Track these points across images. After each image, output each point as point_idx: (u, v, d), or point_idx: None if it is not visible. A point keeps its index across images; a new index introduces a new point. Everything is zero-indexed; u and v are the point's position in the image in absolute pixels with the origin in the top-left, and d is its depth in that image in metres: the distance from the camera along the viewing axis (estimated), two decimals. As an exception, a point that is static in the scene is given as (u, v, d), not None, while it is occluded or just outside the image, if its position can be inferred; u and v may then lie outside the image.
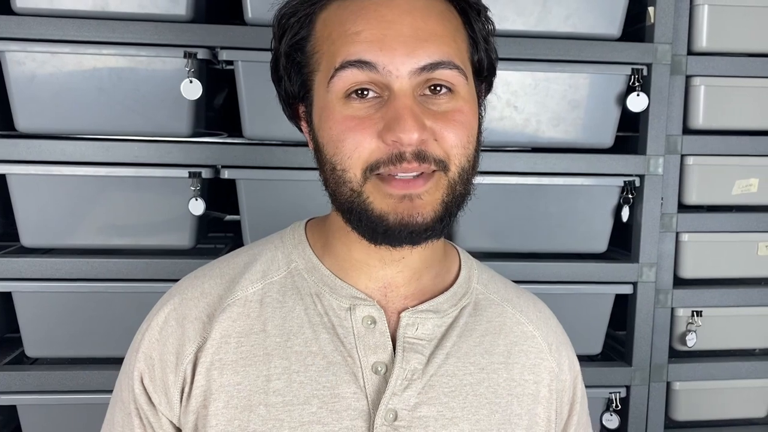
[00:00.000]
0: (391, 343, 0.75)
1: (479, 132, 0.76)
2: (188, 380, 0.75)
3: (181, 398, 0.75)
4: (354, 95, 0.69)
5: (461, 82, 0.71)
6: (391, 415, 0.73)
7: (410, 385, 0.74)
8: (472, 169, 0.73)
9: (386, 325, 0.76)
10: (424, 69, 0.68)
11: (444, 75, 0.69)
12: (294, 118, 0.80)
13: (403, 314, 0.76)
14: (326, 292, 0.77)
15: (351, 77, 0.68)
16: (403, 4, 0.70)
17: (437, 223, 0.70)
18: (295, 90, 0.75)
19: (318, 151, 0.73)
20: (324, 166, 0.72)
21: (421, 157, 0.67)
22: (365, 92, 0.69)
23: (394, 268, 0.77)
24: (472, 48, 0.76)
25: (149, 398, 0.76)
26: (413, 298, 0.79)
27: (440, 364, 0.76)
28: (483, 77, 0.78)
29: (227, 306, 0.76)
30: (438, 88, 0.70)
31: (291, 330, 0.75)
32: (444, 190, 0.70)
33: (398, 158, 0.67)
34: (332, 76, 0.69)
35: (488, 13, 0.78)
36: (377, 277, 0.77)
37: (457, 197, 0.72)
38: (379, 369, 0.74)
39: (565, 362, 0.85)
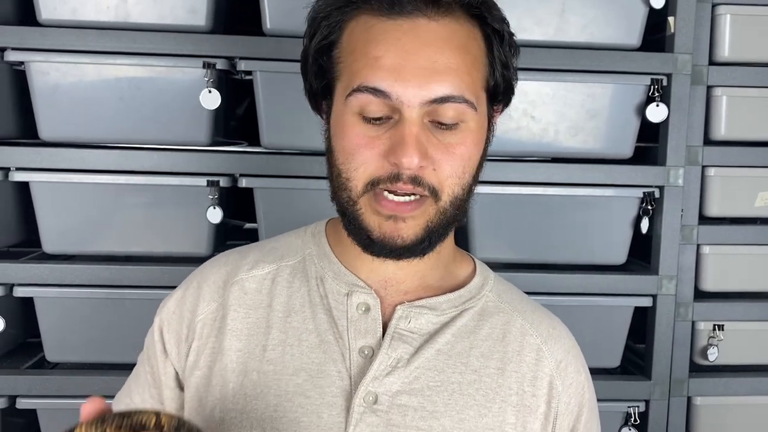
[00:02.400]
0: (381, 330, 0.79)
1: (483, 158, 0.80)
2: (197, 337, 0.82)
3: (188, 352, 0.82)
4: (368, 117, 0.74)
5: (470, 115, 0.75)
6: (371, 398, 0.76)
7: (393, 372, 0.77)
8: (466, 195, 0.77)
9: (379, 313, 0.80)
10: (434, 101, 0.73)
11: (453, 108, 0.73)
12: (317, 109, 0.85)
13: (398, 307, 0.80)
14: (330, 276, 0.82)
15: (365, 101, 0.73)
16: (424, 35, 0.73)
17: (416, 245, 0.75)
18: (318, 89, 0.81)
19: (330, 152, 0.79)
20: (332, 168, 0.78)
21: (416, 181, 0.72)
22: (378, 118, 0.74)
23: (394, 266, 0.81)
24: (490, 72, 0.79)
25: (164, 347, 0.84)
26: (413, 294, 0.82)
27: (428, 358, 0.79)
28: (498, 99, 0.81)
29: (243, 279, 0.83)
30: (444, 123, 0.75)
31: (293, 308, 0.81)
32: (430, 216, 0.75)
33: (396, 178, 0.72)
34: (349, 95, 0.74)
35: (512, 37, 0.81)
36: (378, 270, 0.81)
37: (448, 219, 0.76)
38: (366, 352, 0.78)
39: (572, 384, 0.83)
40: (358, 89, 0.73)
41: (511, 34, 0.81)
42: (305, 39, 0.82)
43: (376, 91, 0.72)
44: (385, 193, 0.73)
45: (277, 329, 0.80)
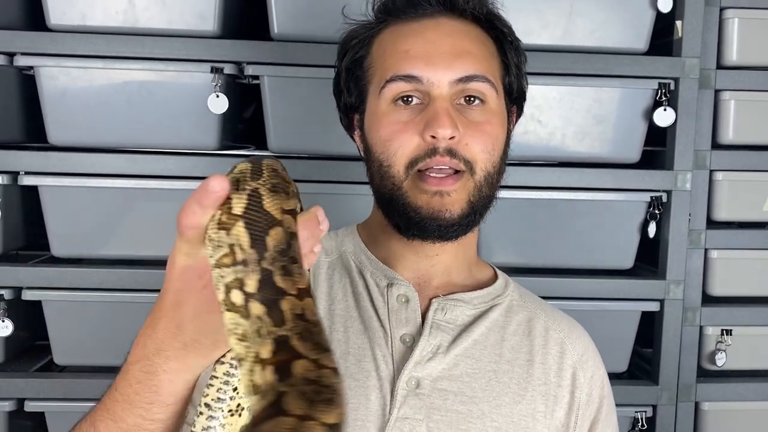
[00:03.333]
0: (420, 320, 0.84)
1: (507, 144, 0.87)
2: None
3: None
4: (401, 101, 0.82)
5: (492, 95, 0.83)
6: (414, 383, 0.80)
7: (434, 358, 0.82)
8: (497, 174, 0.84)
9: (418, 304, 0.85)
10: (460, 80, 0.81)
11: (477, 87, 0.81)
12: (349, 128, 0.92)
13: (434, 300, 0.85)
14: (369, 270, 0.88)
15: (398, 88, 0.81)
16: (445, 28, 0.83)
17: (463, 219, 0.81)
18: (353, 101, 0.88)
19: (367, 151, 0.86)
20: (371, 164, 0.85)
21: (451, 153, 0.79)
22: (410, 99, 0.81)
23: (428, 262, 0.87)
24: (504, 71, 0.87)
25: None
26: (444, 290, 0.88)
27: (466, 347, 0.84)
28: (513, 99, 0.88)
29: None
30: (472, 99, 0.82)
31: (336, 297, 0.86)
32: (470, 191, 0.81)
33: (433, 152, 0.79)
34: (383, 87, 0.82)
35: (520, 43, 0.90)
36: (412, 268, 0.88)
37: (483, 198, 0.82)
38: (407, 340, 0.83)
39: (593, 377, 0.89)
40: (391, 79, 0.81)
41: (518, 41, 0.89)
42: (337, 62, 0.90)
43: (408, 78, 0.80)
44: (428, 172, 0.79)
45: (322, 316, 0.83)
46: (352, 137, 0.92)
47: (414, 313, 0.84)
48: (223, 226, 0.56)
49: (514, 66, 0.87)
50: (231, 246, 0.55)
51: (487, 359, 0.84)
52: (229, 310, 0.55)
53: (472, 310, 0.87)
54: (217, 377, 0.63)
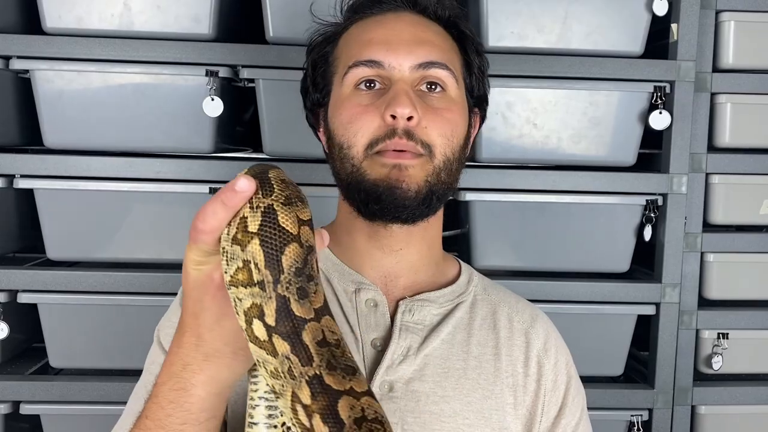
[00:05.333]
0: (390, 323, 0.85)
1: (467, 138, 0.88)
2: None
3: None
4: (362, 86, 0.83)
5: (452, 83, 0.84)
6: (386, 386, 0.81)
7: (405, 361, 0.83)
8: (456, 163, 0.84)
9: (387, 308, 0.86)
10: (421, 66, 0.82)
11: (437, 73, 0.83)
12: (315, 125, 0.93)
13: (401, 302, 0.86)
14: (335, 277, 0.87)
15: (361, 73, 0.83)
16: (408, 19, 0.86)
17: (419, 196, 0.80)
18: (318, 96, 0.89)
19: (330, 139, 0.86)
20: (333, 150, 0.85)
21: (409, 135, 0.79)
22: (372, 84, 0.83)
23: (393, 258, 0.87)
24: (466, 71, 0.89)
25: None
26: (410, 289, 0.88)
27: (435, 347, 0.85)
28: (475, 100, 0.90)
29: None
30: (432, 86, 0.84)
31: None
32: (428, 173, 0.81)
33: (392, 134, 0.79)
34: (346, 73, 0.83)
35: (482, 48, 0.92)
36: (378, 266, 0.87)
37: (442, 184, 0.83)
38: (377, 344, 0.84)
39: (557, 362, 0.90)
40: (354, 65, 0.83)
41: (481, 45, 0.91)
42: (305, 62, 0.91)
43: (370, 62, 0.82)
44: (386, 150, 0.80)
45: None
46: (317, 136, 0.93)
47: (383, 317, 0.85)
48: (237, 242, 0.56)
49: (476, 67, 0.89)
50: (246, 263, 0.55)
51: (455, 357, 0.85)
52: (253, 342, 0.56)
53: (438, 309, 0.87)
54: (256, 397, 0.64)
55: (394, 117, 0.79)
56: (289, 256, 0.55)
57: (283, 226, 0.55)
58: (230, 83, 1.42)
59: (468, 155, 0.91)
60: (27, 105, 1.41)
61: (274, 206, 0.56)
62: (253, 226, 0.55)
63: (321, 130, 0.91)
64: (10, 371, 1.46)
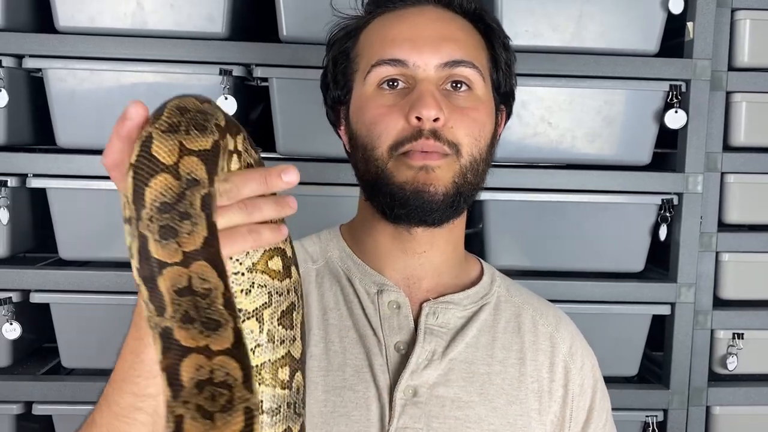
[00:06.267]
0: (413, 326, 0.83)
1: (494, 137, 0.86)
2: None
3: None
4: (386, 86, 0.81)
5: (479, 82, 0.82)
6: (411, 391, 0.80)
7: (430, 365, 0.81)
8: (483, 164, 0.83)
9: (410, 310, 0.84)
10: (446, 65, 0.80)
11: (464, 72, 0.81)
12: (335, 123, 0.91)
13: (424, 304, 0.84)
14: (357, 278, 0.86)
15: (384, 72, 0.80)
16: (431, 14, 0.83)
17: (447, 199, 0.79)
18: (339, 93, 0.87)
19: (352, 139, 0.84)
20: (356, 151, 0.83)
21: (436, 135, 0.77)
22: (395, 83, 0.80)
23: (416, 261, 0.85)
24: (492, 66, 0.86)
25: None
26: (434, 292, 0.86)
27: (460, 351, 0.83)
28: (502, 96, 0.87)
29: None
30: (458, 85, 0.81)
31: (327, 305, 0.84)
32: (455, 173, 0.79)
33: (418, 135, 0.77)
34: (369, 72, 0.81)
35: (509, 42, 0.89)
36: (400, 267, 0.85)
37: (468, 185, 0.81)
38: (401, 348, 0.82)
39: (583, 366, 0.89)
40: (377, 63, 0.80)
41: (508, 38, 0.88)
42: (325, 57, 0.89)
43: (393, 62, 0.80)
44: (412, 152, 0.78)
45: (317, 326, 0.82)
46: (338, 133, 0.91)
47: (406, 319, 0.83)
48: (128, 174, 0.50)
49: (503, 62, 0.87)
50: (125, 197, 0.50)
51: (480, 362, 0.84)
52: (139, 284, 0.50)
53: (462, 311, 0.86)
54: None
55: (419, 118, 0.77)
56: (155, 188, 0.48)
57: (155, 154, 0.49)
58: (243, 82, 1.42)
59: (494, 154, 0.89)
60: (40, 104, 1.41)
61: (153, 134, 0.49)
62: (132, 157, 0.49)
63: (342, 128, 0.89)
64: (22, 371, 1.45)
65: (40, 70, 1.36)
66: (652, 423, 1.46)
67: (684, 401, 1.48)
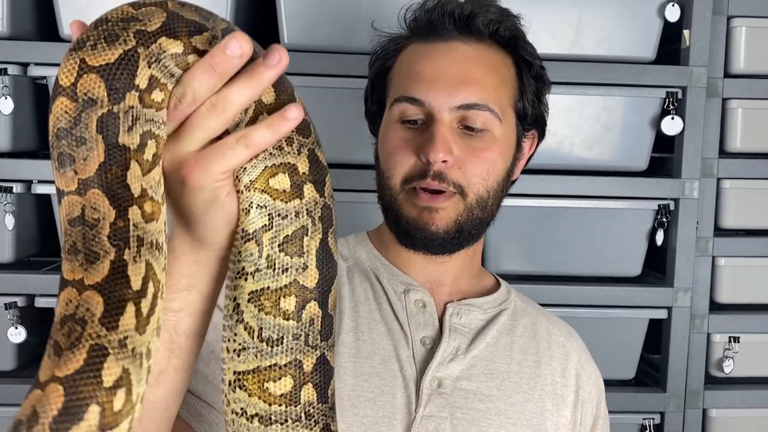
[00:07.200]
0: (438, 324, 0.89)
1: (510, 171, 0.90)
2: None
3: None
4: (406, 122, 0.86)
5: (493, 123, 0.85)
6: (436, 383, 0.85)
7: (454, 360, 0.86)
8: (492, 199, 0.87)
9: (435, 309, 0.89)
10: (460, 107, 0.84)
11: (477, 116, 0.84)
12: (373, 133, 0.97)
13: (448, 305, 0.90)
14: (385, 277, 0.91)
15: (403, 109, 0.86)
16: (456, 54, 0.87)
17: (448, 236, 0.85)
18: (374, 109, 0.94)
19: (377, 159, 0.92)
20: (378, 171, 0.90)
21: (440, 177, 0.83)
22: (415, 121, 0.86)
23: (437, 268, 0.91)
24: (518, 96, 0.89)
25: None
26: (455, 296, 0.92)
27: (481, 349, 0.88)
28: (528, 124, 0.90)
29: None
30: (472, 127, 0.85)
31: (358, 299, 0.90)
32: (459, 212, 0.85)
33: (424, 174, 0.83)
34: (392, 105, 0.88)
35: (543, 70, 0.92)
36: (423, 272, 0.91)
37: (474, 220, 0.86)
38: (427, 342, 0.87)
39: (591, 376, 0.94)
40: (398, 99, 0.86)
41: (543, 69, 0.91)
42: (369, 71, 0.96)
43: (412, 100, 0.85)
44: (420, 190, 0.84)
45: (348, 317, 0.88)
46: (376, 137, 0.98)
47: (432, 317, 0.89)
48: None
49: (531, 93, 0.90)
50: None
51: (499, 360, 0.89)
52: None
53: (483, 314, 0.91)
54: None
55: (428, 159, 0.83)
56: (54, 114, 0.45)
57: (58, 78, 0.45)
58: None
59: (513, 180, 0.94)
60: (44, 111, 1.42)
61: (66, 55, 0.46)
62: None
63: (374, 141, 0.95)
64: (27, 375, 1.46)
65: (44, 77, 1.37)
66: (649, 426, 1.48)
67: (681, 404, 1.50)
